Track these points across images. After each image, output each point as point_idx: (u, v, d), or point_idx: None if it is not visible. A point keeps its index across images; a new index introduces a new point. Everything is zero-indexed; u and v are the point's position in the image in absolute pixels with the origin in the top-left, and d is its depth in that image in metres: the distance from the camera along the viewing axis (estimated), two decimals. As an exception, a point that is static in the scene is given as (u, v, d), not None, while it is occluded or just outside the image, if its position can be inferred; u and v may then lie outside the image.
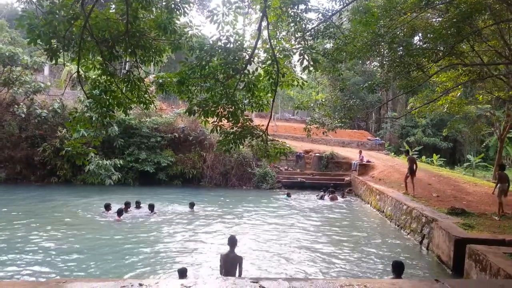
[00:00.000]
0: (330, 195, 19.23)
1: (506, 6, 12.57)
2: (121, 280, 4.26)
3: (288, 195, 19.39)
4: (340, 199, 19.40)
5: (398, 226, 13.94)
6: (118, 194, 17.88)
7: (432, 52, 13.37)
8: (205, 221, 13.82)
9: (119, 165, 19.80)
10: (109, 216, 13.65)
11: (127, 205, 14.19)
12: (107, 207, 13.89)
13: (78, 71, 6.60)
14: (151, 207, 14.33)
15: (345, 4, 10.25)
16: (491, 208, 12.66)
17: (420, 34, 16.08)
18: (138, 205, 14.73)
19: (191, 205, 15.25)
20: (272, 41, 7.41)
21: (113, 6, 7.31)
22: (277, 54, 7.09)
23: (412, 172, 15.57)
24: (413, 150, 35.27)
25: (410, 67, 13.43)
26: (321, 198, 19.20)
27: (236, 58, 6.76)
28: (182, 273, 7.66)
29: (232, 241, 7.70)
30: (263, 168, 22.51)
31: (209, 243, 11.21)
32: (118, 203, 14.55)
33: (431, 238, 11.06)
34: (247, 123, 7.19)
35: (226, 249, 7.73)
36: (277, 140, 7.98)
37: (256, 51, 7.21)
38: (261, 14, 7.09)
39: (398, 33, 13.42)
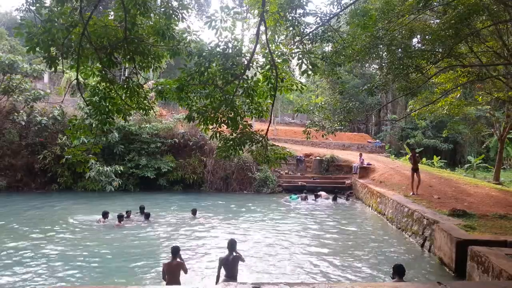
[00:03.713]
0: (314, 193, 20.05)
1: (503, 7, 12.60)
2: (111, 286, 4.25)
3: (295, 193, 20.09)
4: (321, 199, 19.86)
5: (399, 228, 13.89)
6: (119, 200, 17.88)
7: (431, 54, 13.39)
8: (206, 227, 13.77)
9: (119, 172, 19.83)
10: (107, 223, 13.60)
11: (128, 212, 14.19)
12: (105, 214, 13.83)
13: (77, 78, 6.63)
14: (147, 216, 14.22)
15: (343, 8, 10.26)
16: (492, 209, 12.63)
17: (418, 36, 16.12)
18: (142, 211, 14.68)
19: (194, 211, 15.12)
20: (270, 45, 7.42)
21: (112, 13, 7.34)
22: (276, 58, 7.09)
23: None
24: (413, 152, 35.23)
25: (409, 69, 13.42)
26: (305, 199, 19.54)
27: (235, 63, 6.76)
28: (175, 251, 7.53)
29: (231, 244, 7.74)
30: (263, 173, 22.50)
31: (211, 249, 11.16)
32: (119, 210, 14.52)
33: (433, 240, 11.02)
34: (247, 129, 7.19)
35: (225, 252, 7.75)
36: (277, 145, 7.99)
37: (255, 56, 7.22)
38: (259, 19, 7.10)
39: (396, 35, 13.44)
